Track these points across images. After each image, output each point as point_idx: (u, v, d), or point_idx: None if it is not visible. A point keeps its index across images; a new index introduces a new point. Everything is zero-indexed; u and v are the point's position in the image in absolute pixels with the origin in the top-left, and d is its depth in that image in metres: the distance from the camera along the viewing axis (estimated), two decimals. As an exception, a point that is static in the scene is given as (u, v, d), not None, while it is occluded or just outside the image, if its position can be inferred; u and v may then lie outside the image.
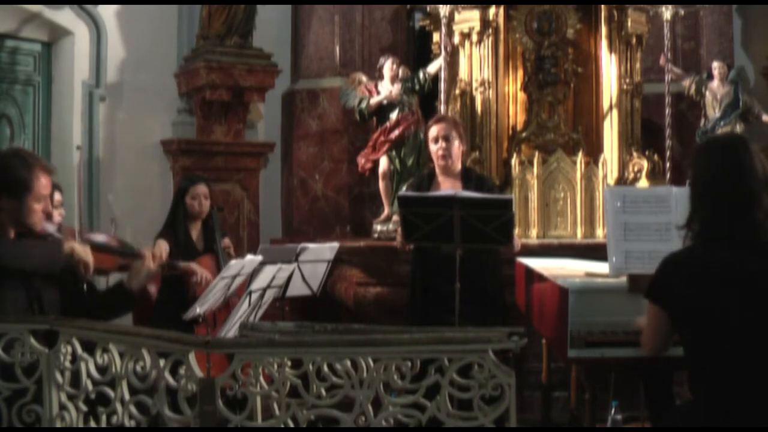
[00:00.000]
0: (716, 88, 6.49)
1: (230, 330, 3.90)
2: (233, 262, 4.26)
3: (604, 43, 6.06)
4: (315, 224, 6.81)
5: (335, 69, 6.85)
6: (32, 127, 6.45)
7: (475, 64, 5.98)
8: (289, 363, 2.35)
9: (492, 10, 5.95)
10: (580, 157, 5.76)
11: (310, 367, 2.32)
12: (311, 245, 5.09)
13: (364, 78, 6.29)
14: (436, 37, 6.31)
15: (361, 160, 6.26)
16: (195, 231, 4.74)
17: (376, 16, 6.92)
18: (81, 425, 2.56)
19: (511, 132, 6.15)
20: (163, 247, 4.43)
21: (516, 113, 6.25)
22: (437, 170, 4.54)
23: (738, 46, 7.14)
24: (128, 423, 2.48)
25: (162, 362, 2.41)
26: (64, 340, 2.56)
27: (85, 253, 3.04)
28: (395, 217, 5.67)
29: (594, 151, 6.02)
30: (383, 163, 6.10)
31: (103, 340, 2.51)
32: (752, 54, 7.17)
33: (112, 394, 2.49)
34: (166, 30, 6.73)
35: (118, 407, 2.48)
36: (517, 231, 4.72)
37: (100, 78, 6.46)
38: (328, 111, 6.84)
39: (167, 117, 6.73)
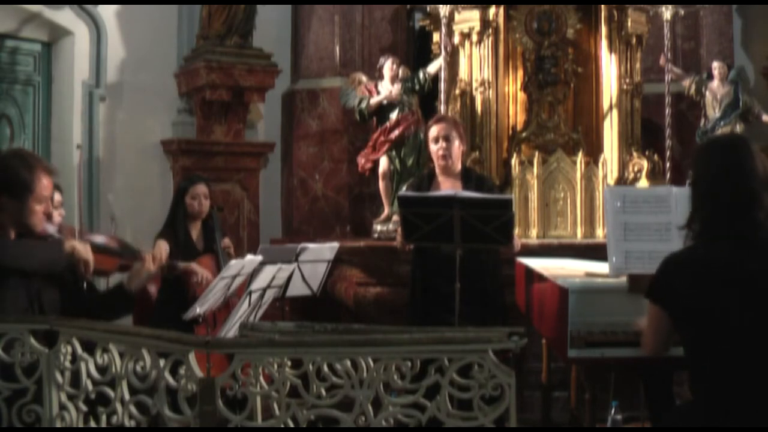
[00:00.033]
0: (716, 88, 6.49)
1: (230, 330, 3.90)
2: (233, 262, 4.26)
3: (604, 43, 6.06)
4: (315, 224, 6.81)
5: (335, 69, 6.85)
6: (32, 127, 6.45)
7: (475, 64, 5.98)
8: (289, 363, 2.35)
9: (492, 10, 5.95)
10: (580, 157, 5.76)
11: (310, 367, 2.32)
12: (311, 245, 5.09)
13: (364, 78, 6.29)
14: (436, 37, 6.31)
15: (361, 160, 6.26)
16: (195, 231, 4.74)
17: (376, 16, 6.92)
18: (81, 425, 2.56)
19: (511, 132, 6.15)
20: (163, 249, 4.42)
21: (516, 113, 6.25)
22: (437, 170, 4.54)
23: (738, 46, 7.14)
24: (128, 423, 2.48)
25: (162, 362, 2.42)
26: (64, 340, 2.56)
27: (85, 251, 3.04)
28: (395, 217, 5.67)
29: (594, 151, 6.02)
30: (383, 163, 6.10)
31: (103, 340, 2.51)
32: (752, 54, 7.17)
33: (112, 394, 2.49)
34: (166, 30, 6.73)
35: (118, 407, 2.48)
36: (517, 231, 4.72)
37: (100, 78, 6.46)
38: (328, 111, 6.84)
39: (167, 117, 6.73)
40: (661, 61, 6.16)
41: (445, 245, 4.17)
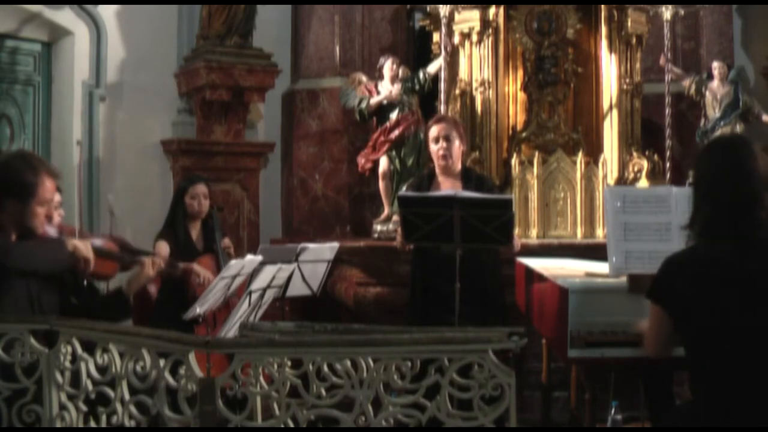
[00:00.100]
0: (716, 88, 6.48)
1: (230, 330, 3.90)
2: (233, 262, 4.26)
3: (604, 43, 6.06)
4: (315, 224, 6.81)
5: (335, 69, 6.85)
6: (32, 127, 6.45)
7: (475, 64, 5.98)
8: (289, 363, 2.35)
9: (492, 10, 5.95)
10: (580, 157, 5.76)
11: (310, 367, 2.32)
12: (311, 245, 5.09)
13: (364, 78, 6.29)
14: (436, 37, 6.31)
15: (361, 160, 6.26)
16: (195, 231, 4.75)
17: (376, 16, 6.92)
18: (81, 425, 2.56)
19: (511, 132, 6.14)
20: (163, 252, 4.42)
21: (516, 113, 6.25)
22: (437, 170, 4.54)
23: (738, 46, 7.14)
24: (128, 423, 2.48)
25: (162, 362, 2.42)
26: (64, 340, 2.56)
27: (86, 249, 3.05)
28: (395, 217, 5.67)
29: (594, 151, 6.02)
30: (383, 163, 6.10)
31: (103, 340, 2.51)
32: (752, 54, 7.16)
33: (112, 394, 2.50)
34: (166, 30, 6.73)
35: (118, 407, 2.48)
36: (517, 231, 4.72)
37: (100, 78, 6.46)
38: (328, 111, 6.84)
39: (167, 117, 6.73)
40: (661, 61, 6.16)
41: (445, 245, 4.17)
